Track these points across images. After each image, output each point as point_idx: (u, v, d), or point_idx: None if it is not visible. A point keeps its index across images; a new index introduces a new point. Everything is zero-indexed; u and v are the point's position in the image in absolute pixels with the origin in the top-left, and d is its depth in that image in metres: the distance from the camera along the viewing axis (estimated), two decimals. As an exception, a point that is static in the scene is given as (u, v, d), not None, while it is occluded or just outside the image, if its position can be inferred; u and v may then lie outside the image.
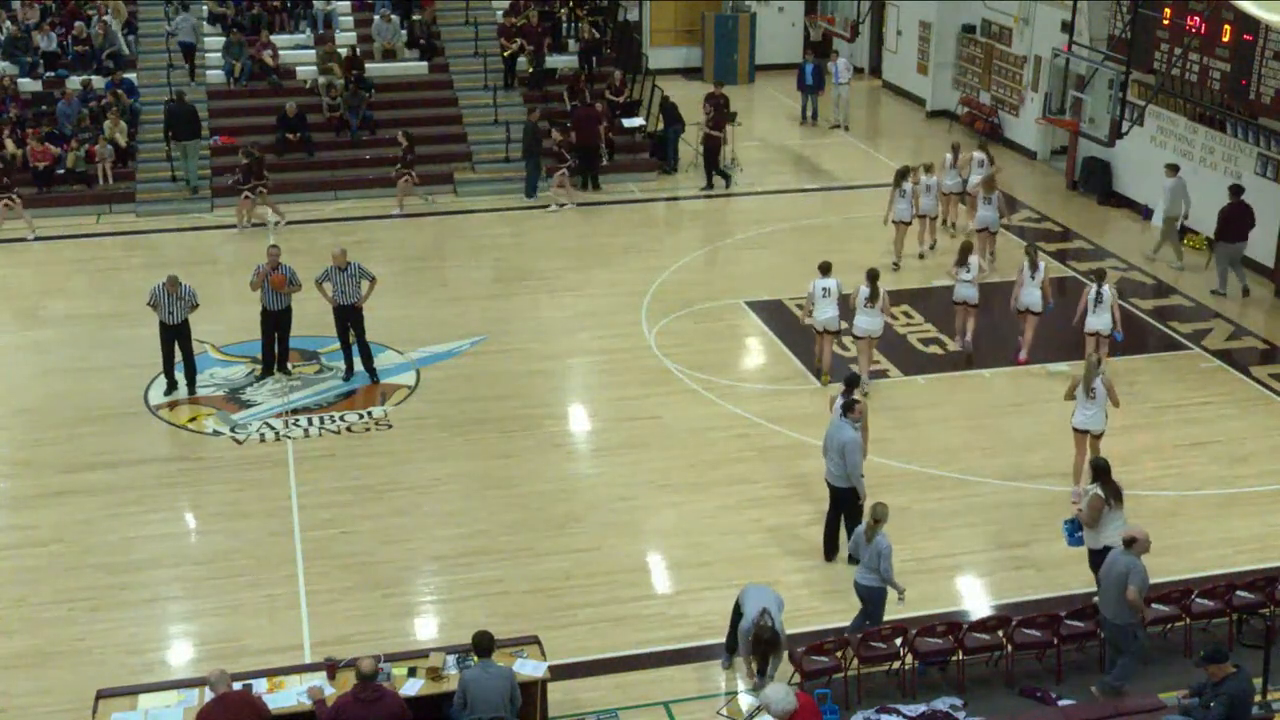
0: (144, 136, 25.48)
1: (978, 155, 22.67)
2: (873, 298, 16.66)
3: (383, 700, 9.99)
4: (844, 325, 17.33)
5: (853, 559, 12.31)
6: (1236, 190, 20.20)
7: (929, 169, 21.73)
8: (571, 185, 24.72)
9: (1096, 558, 12.05)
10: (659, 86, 27.47)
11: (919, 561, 13.23)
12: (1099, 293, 16.87)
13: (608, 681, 11.77)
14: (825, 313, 17.07)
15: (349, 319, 17.35)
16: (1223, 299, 20.05)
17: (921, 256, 21.69)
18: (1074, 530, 12.43)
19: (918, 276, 21.07)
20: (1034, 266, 17.57)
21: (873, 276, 16.80)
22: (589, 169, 25.38)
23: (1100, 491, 12.11)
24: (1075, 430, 14.49)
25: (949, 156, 22.98)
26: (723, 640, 12.17)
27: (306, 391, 17.29)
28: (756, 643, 11.29)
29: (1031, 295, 17.59)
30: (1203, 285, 20.62)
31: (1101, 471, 12.23)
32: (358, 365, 17.55)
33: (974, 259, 18.04)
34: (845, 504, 13.25)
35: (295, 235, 23.05)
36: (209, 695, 10.36)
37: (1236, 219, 19.96)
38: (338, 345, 17.67)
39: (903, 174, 21.09)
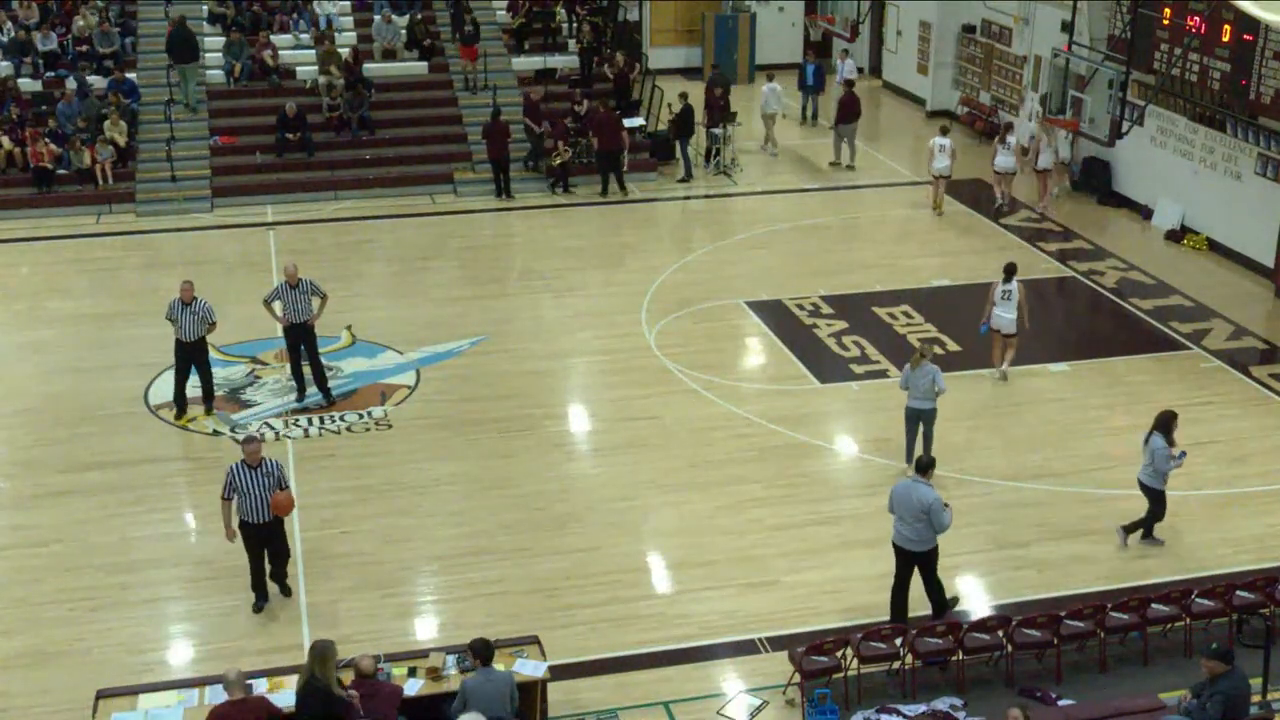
0: (144, 136, 25.48)
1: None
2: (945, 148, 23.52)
3: (378, 695, 10.05)
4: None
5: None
6: (849, 84, 27.16)
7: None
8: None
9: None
10: (684, 94, 27.10)
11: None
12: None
13: (608, 681, 11.77)
14: (940, 163, 23.56)
15: (300, 338, 16.60)
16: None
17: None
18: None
19: (918, 276, 21.07)
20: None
21: (944, 130, 23.88)
22: (612, 172, 25.31)
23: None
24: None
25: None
26: (721, 640, 12.22)
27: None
28: None
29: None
30: (1202, 285, 20.62)
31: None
32: (315, 386, 16.82)
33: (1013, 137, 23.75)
34: (927, 566, 12.27)
35: (296, 235, 23.07)
36: (212, 694, 10.38)
37: (848, 106, 26.51)
38: (337, 346, 17.63)
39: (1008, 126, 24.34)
